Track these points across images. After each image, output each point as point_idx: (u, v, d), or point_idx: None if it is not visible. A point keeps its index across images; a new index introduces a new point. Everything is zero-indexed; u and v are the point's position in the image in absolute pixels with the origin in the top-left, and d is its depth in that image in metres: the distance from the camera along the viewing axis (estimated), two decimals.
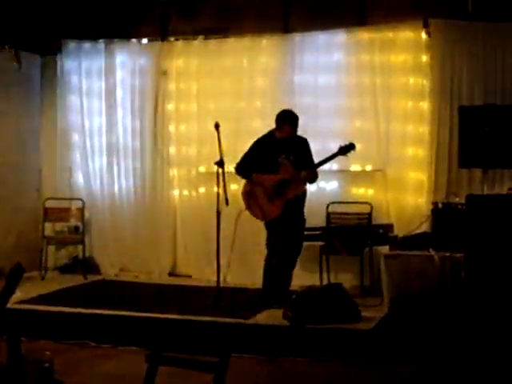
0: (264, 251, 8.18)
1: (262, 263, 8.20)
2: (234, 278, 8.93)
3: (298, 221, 7.95)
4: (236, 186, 9.15)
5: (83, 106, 10.29)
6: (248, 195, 7.93)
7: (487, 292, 6.16)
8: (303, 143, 7.96)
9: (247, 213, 7.97)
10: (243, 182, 9.01)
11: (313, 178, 7.94)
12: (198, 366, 3.95)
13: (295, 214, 7.86)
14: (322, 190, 9.13)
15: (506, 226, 6.19)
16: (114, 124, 10.21)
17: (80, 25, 10.14)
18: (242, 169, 7.99)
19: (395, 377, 6.23)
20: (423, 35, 8.82)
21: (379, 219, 8.94)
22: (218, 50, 9.73)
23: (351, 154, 7.83)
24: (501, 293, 6.08)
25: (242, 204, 8.20)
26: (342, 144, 7.74)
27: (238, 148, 9.23)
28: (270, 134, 7.98)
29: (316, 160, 7.89)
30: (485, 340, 6.00)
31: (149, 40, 10.09)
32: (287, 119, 7.84)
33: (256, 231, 8.45)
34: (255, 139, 8.12)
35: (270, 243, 7.93)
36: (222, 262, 7.92)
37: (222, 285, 7.88)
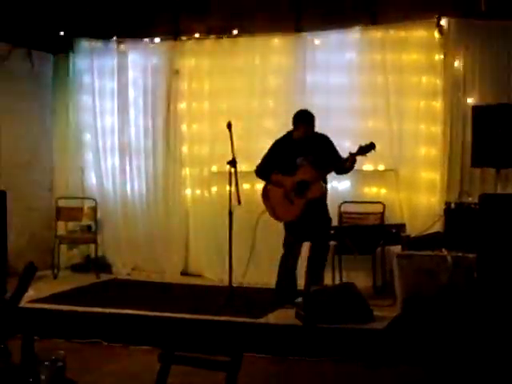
0: (277, 251, 8.17)
1: (274, 263, 8.19)
2: (246, 277, 8.92)
3: (322, 220, 7.90)
4: (248, 186, 9.19)
5: (95, 106, 10.32)
6: (267, 196, 7.90)
7: (500, 293, 6.13)
8: (324, 140, 7.92)
9: (259, 216, 7.96)
10: (256, 181, 9.05)
11: (344, 168, 7.83)
12: (211, 365, 3.95)
13: (317, 213, 7.81)
14: (335, 189, 9.08)
15: None
16: (126, 123, 10.23)
17: (92, 24, 10.16)
18: (263, 171, 7.99)
19: (407, 377, 6.21)
20: (436, 34, 8.79)
21: (392, 219, 8.92)
22: (230, 50, 9.73)
23: (371, 154, 7.78)
24: None
25: (255, 204, 8.21)
26: (363, 144, 7.68)
27: (250, 147, 9.26)
28: (288, 134, 7.96)
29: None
30: (497, 341, 5.97)
31: (161, 39, 10.08)
32: (301, 119, 7.83)
33: (269, 232, 8.43)
34: (273, 140, 8.11)
35: (286, 243, 7.92)
36: (235, 261, 7.90)
37: (234, 284, 7.87)
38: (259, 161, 8.09)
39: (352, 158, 7.64)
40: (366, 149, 7.65)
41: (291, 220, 7.82)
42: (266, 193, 7.95)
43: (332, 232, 8.34)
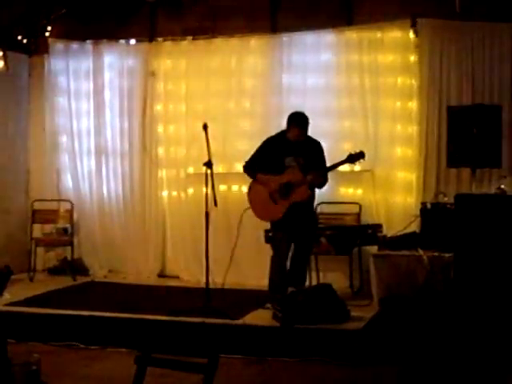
0: (255, 252, 8.15)
1: (252, 264, 8.18)
2: (222, 278, 8.91)
3: (307, 224, 7.87)
4: (225, 187, 9.20)
5: (71, 107, 10.27)
6: (252, 194, 7.88)
7: (476, 292, 6.16)
8: (315, 146, 7.88)
9: (242, 214, 7.94)
10: (233, 182, 9.05)
11: (320, 183, 7.80)
12: (187, 367, 3.94)
13: (303, 216, 7.76)
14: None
15: (495, 225, 6.20)
16: (102, 125, 10.18)
17: (68, 25, 10.10)
18: (250, 168, 7.92)
19: (384, 376, 6.23)
20: (411, 35, 8.84)
21: (368, 219, 8.95)
22: (206, 51, 9.71)
23: (360, 163, 7.79)
24: (490, 292, 6.08)
25: (232, 206, 8.19)
26: (352, 152, 7.67)
27: (226, 149, 9.28)
28: (282, 133, 7.90)
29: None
30: (474, 339, 6.00)
31: (137, 41, 10.07)
32: (294, 121, 7.77)
33: (246, 232, 8.41)
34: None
35: (274, 243, 7.91)
36: (211, 262, 7.88)
37: (211, 286, 7.86)
38: (239, 162, 8.06)
39: (319, 174, 7.63)
40: (356, 157, 7.64)
41: (274, 220, 7.80)
42: (250, 191, 7.92)
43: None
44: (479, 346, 5.96)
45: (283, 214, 7.64)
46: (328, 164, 7.80)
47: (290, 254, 7.92)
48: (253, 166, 7.89)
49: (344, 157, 7.68)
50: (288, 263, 7.90)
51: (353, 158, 7.66)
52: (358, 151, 7.65)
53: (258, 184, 7.82)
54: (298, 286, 7.67)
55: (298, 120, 7.76)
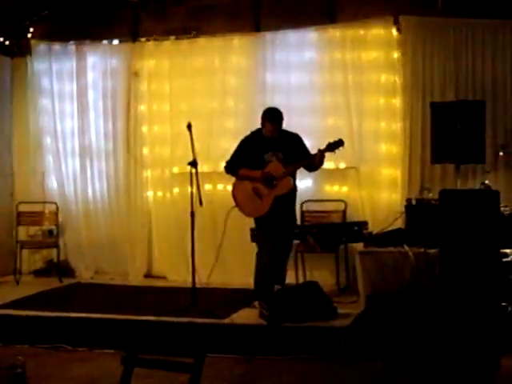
0: (241, 251, 8.15)
1: (238, 263, 8.16)
2: (209, 278, 8.91)
3: (288, 220, 7.89)
4: (210, 186, 9.20)
5: (55, 109, 10.23)
6: (237, 192, 7.87)
7: (462, 287, 6.18)
8: (294, 139, 7.89)
9: (229, 212, 7.94)
10: (218, 181, 9.03)
11: (314, 166, 7.81)
12: (173, 367, 3.94)
13: (285, 212, 7.79)
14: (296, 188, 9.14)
15: (479, 220, 6.21)
16: (86, 126, 10.15)
17: (50, 26, 10.07)
18: (231, 168, 7.93)
19: (371, 373, 6.25)
20: (394, 32, 8.88)
21: (353, 216, 8.97)
22: (190, 50, 9.71)
23: (339, 151, 7.79)
24: (475, 287, 6.10)
25: (217, 205, 8.18)
26: (331, 140, 7.69)
27: (211, 148, 9.28)
28: (258, 131, 7.91)
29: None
30: (460, 335, 6.03)
31: (120, 41, 10.05)
32: (267, 117, 7.78)
33: (230, 231, 8.40)
34: (234, 140, 8.11)
35: (259, 240, 7.91)
36: (198, 262, 7.87)
37: (197, 285, 7.85)
38: (224, 161, 8.06)
39: (321, 153, 7.63)
40: (335, 145, 7.66)
41: (260, 216, 7.80)
42: (235, 190, 7.91)
43: (296, 231, 8.36)
44: (465, 341, 5.99)
45: (269, 209, 7.65)
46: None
47: None
48: (233, 166, 7.91)
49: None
50: None
51: (332, 147, 7.67)
52: (336, 139, 7.66)
53: (242, 180, 7.83)
54: (278, 284, 7.69)
55: (271, 115, 7.78)
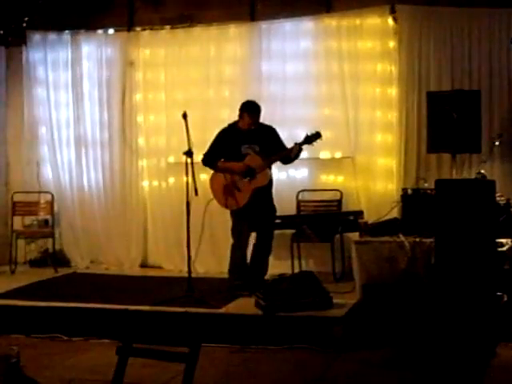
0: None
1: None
2: (204, 267, 8.91)
3: (267, 209, 7.95)
4: (206, 176, 9.14)
5: (50, 98, 10.20)
6: (215, 184, 7.91)
7: (458, 277, 6.18)
8: (270, 132, 7.95)
9: (216, 202, 7.95)
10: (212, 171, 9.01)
11: (290, 159, 7.87)
12: (168, 357, 3.93)
13: (263, 202, 7.86)
14: (292, 178, 9.14)
15: (475, 210, 6.21)
16: (81, 116, 10.12)
17: (45, 15, 10.02)
18: (209, 160, 7.97)
19: (367, 362, 6.26)
20: (390, 21, 8.84)
21: (349, 206, 8.98)
22: (185, 39, 9.68)
23: (317, 143, 7.80)
24: (470, 276, 6.10)
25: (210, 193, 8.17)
26: (309, 133, 7.72)
27: (206, 137, 9.18)
28: (234, 124, 7.99)
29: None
30: (455, 325, 6.03)
31: (115, 30, 10.01)
32: (246, 109, 7.85)
33: (225, 220, 8.39)
34: (219, 129, 8.11)
35: (235, 232, 7.93)
36: (193, 252, 7.87)
37: (193, 275, 7.85)
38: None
39: (297, 147, 7.68)
40: (312, 138, 7.70)
41: (238, 208, 7.82)
42: (213, 181, 7.94)
43: (290, 220, 8.37)
44: (461, 330, 5.99)
45: (248, 201, 7.68)
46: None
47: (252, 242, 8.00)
48: (211, 159, 7.94)
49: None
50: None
51: (309, 139, 7.71)
52: (314, 132, 7.72)
53: (220, 173, 7.88)
54: (262, 275, 7.82)
55: (251, 108, 7.85)
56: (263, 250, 8.00)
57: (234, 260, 7.96)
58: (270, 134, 7.92)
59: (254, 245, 8.02)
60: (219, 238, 8.46)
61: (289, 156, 7.79)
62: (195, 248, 8.00)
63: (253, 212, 7.77)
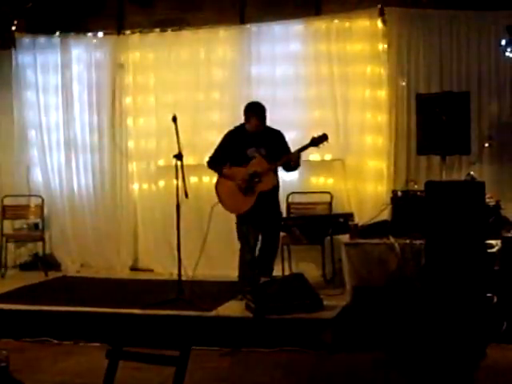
0: (226, 244, 8.12)
1: (224, 256, 8.14)
2: (197, 270, 8.89)
3: (272, 213, 7.89)
4: (196, 179, 9.19)
5: (39, 102, 10.19)
6: (220, 188, 7.85)
7: (448, 278, 6.19)
8: (277, 135, 7.87)
9: (213, 207, 7.91)
10: (203, 174, 9.01)
11: (290, 165, 7.80)
12: (158, 360, 3.92)
13: (269, 206, 7.78)
14: (282, 180, 9.11)
15: (465, 211, 6.23)
16: (71, 119, 10.11)
17: (34, 19, 10.01)
18: (215, 163, 7.91)
19: (357, 365, 6.26)
20: (379, 24, 8.87)
21: (339, 208, 8.97)
22: (175, 42, 9.69)
23: (323, 145, 7.78)
24: (460, 278, 6.12)
25: (203, 198, 8.18)
26: (315, 135, 7.69)
27: (196, 140, 9.26)
28: (241, 126, 7.89)
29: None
30: (445, 326, 6.04)
31: (105, 33, 9.99)
32: (253, 111, 7.77)
33: (219, 224, 8.39)
34: (220, 133, 8.09)
35: (241, 236, 7.90)
36: (184, 254, 7.86)
37: (183, 278, 7.84)
38: (209, 153, 8.03)
39: (297, 153, 7.63)
40: (319, 140, 7.66)
41: (243, 212, 7.79)
42: (218, 185, 7.90)
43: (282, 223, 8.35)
44: (451, 332, 6.00)
45: (253, 205, 7.64)
46: (292, 150, 7.78)
47: (259, 244, 7.95)
48: (216, 162, 7.89)
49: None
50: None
51: (316, 141, 7.67)
52: (320, 134, 7.67)
53: (225, 177, 7.81)
54: (266, 276, 7.70)
55: (256, 110, 7.78)
56: (268, 255, 7.92)
57: (243, 264, 7.89)
58: (277, 138, 7.85)
59: (259, 249, 7.97)
60: (211, 241, 8.44)
61: (289, 162, 7.75)
62: (186, 251, 7.97)
63: (257, 215, 7.68)
